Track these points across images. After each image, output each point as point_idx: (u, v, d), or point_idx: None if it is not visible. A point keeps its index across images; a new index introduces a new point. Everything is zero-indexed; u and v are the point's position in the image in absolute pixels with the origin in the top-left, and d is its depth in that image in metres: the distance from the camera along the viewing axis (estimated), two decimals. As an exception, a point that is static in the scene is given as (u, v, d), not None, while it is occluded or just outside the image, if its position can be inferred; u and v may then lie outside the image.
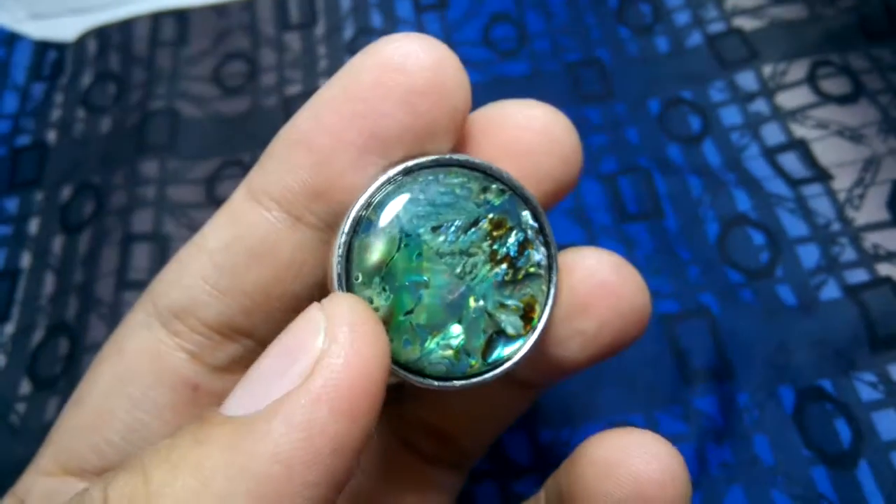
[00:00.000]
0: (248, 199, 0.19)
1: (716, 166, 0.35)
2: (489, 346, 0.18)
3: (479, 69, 0.40)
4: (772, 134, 0.35)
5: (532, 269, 0.18)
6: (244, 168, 0.37)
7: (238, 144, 0.38)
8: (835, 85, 0.36)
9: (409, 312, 0.17)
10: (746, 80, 0.37)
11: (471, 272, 0.17)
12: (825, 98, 0.36)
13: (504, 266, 0.18)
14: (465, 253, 0.17)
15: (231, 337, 0.20)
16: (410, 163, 0.18)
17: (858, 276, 0.31)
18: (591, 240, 0.34)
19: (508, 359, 0.18)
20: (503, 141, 0.19)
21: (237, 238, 0.19)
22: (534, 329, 0.18)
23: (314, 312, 0.15)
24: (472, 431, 0.23)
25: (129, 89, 0.41)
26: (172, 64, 0.41)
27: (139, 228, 0.35)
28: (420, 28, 0.41)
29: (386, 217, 0.17)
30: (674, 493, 0.16)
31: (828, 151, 0.34)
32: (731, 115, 0.36)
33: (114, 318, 0.33)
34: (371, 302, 0.17)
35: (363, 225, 0.18)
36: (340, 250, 0.17)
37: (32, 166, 0.39)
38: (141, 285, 0.34)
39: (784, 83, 0.36)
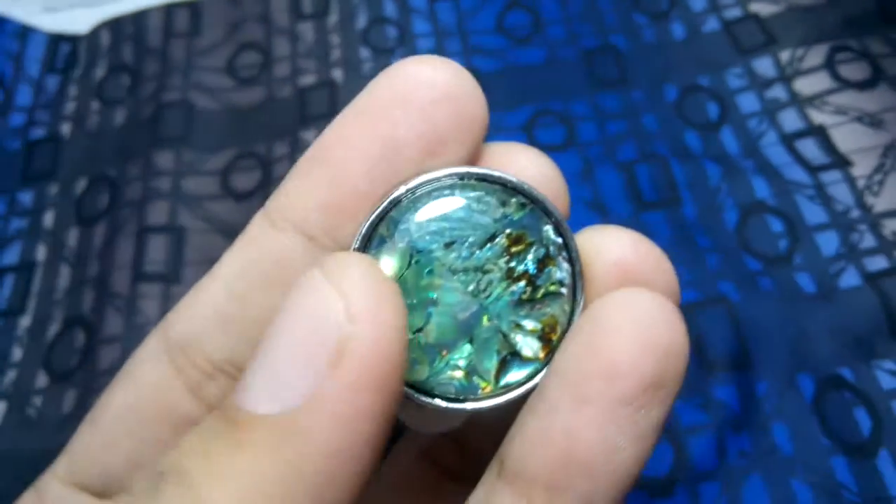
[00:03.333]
0: (264, 223, 0.19)
1: (734, 153, 0.35)
2: (502, 368, 0.17)
3: (493, 57, 0.40)
4: (790, 120, 0.35)
5: (553, 288, 0.17)
6: (259, 159, 0.37)
7: (253, 135, 0.38)
8: (853, 70, 0.36)
9: (419, 331, 0.17)
10: (764, 66, 0.37)
11: (485, 290, 0.17)
12: (844, 83, 0.35)
13: (522, 284, 0.17)
14: (479, 270, 0.17)
15: (235, 376, 0.20)
16: (425, 177, 0.17)
17: (878, 263, 0.31)
18: (608, 228, 0.34)
19: (523, 383, 0.17)
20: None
21: (251, 262, 0.19)
22: (553, 351, 0.17)
23: (321, 285, 0.14)
24: (493, 443, 0.23)
25: (143, 81, 0.41)
26: (186, 55, 0.41)
27: (154, 220, 0.35)
28: (433, 16, 0.41)
29: (398, 233, 0.17)
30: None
31: (847, 137, 0.34)
32: (748, 102, 0.36)
33: (130, 310, 0.33)
34: None
35: (374, 241, 0.17)
36: None
37: (47, 159, 0.39)
38: (156, 277, 0.34)
39: (802, 69, 0.36)
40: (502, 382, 0.17)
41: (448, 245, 0.17)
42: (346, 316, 0.14)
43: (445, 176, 0.17)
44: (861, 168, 0.33)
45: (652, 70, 0.38)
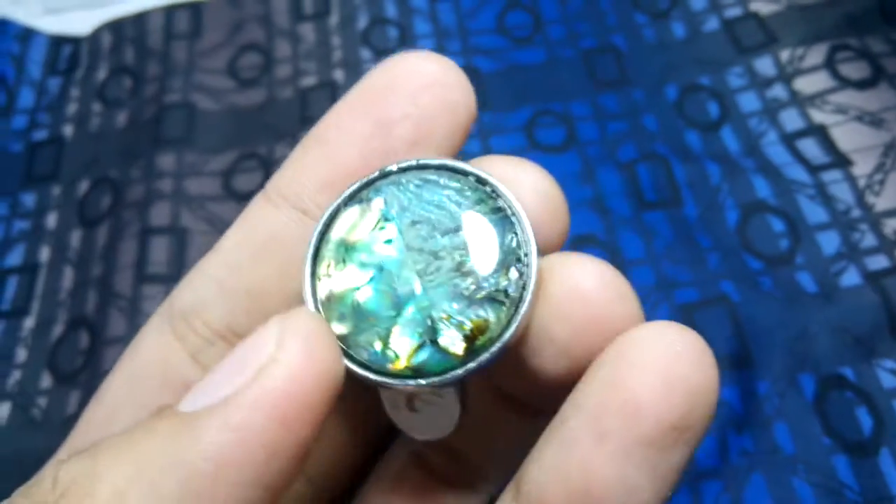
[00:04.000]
0: (262, 200, 0.20)
1: (734, 153, 0.35)
2: (417, 350, 0.17)
3: (493, 57, 0.40)
4: (790, 119, 0.35)
5: (496, 295, 0.17)
6: (261, 160, 0.38)
7: (254, 136, 0.38)
8: (854, 69, 0.36)
9: (356, 290, 0.17)
10: (764, 65, 0.37)
11: (431, 274, 0.17)
12: (844, 82, 0.35)
13: (468, 281, 0.17)
14: (433, 254, 0.17)
15: (232, 341, 0.20)
16: (412, 161, 0.18)
17: (879, 262, 0.31)
18: (610, 230, 0.34)
19: (437, 374, 0.17)
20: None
21: (248, 237, 0.20)
22: (473, 355, 0.17)
23: (274, 320, 0.15)
24: (482, 450, 0.22)
25: (145, 83, 0.41)
26: (187, 57, 0.41)
27: (157, 222, 0.36)
28: (434, 16, 0.41)
29: (373, 200, 0.18)
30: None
31: (847, 137, 0.34)
32: (749, 101, 0.36)
33: (133, 311, 0.33)
34: (328, 267, 0.17)
35: (354, 201, 0.18)
36: (320, 227, 0.18)
37: (49, 161, 0.39)
38: (159, 278, 0.34)
39: (802, 68, 0.36)
40: (413, 363, 0.17)
41: (414, 223, 0.17)
42: (278, 345, 0.15)
43: (434, 164, 0.18)
44: (862, 167, 0.33)
45: (652, 70, 0.38)
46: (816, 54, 0.36)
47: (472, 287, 0.17)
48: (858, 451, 0.28)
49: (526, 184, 0.18)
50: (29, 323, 0.34)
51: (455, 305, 0.17)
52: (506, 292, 0.17)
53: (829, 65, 0.36)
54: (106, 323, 0.33)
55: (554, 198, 0.19)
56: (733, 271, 0.32)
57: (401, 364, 0.17)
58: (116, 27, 0.43)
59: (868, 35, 0.37)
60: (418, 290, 0.17)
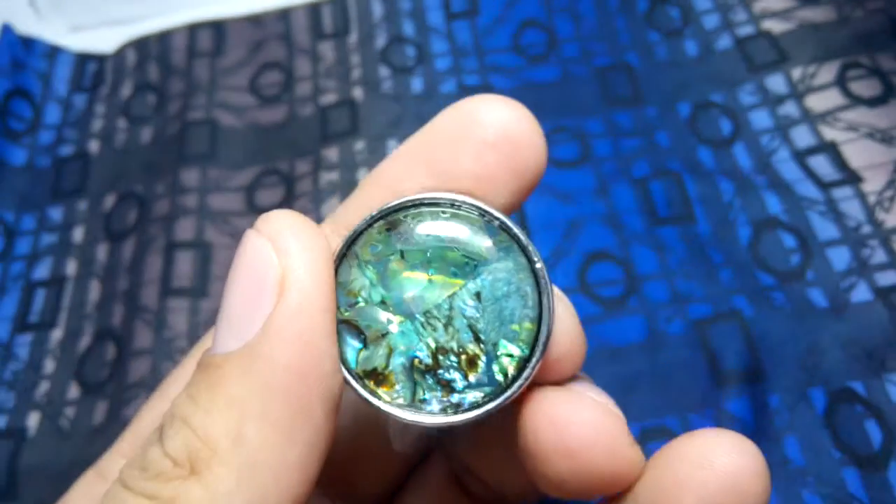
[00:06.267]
0: None
1: (746, 169, 0.35)
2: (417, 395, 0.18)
3: (509, 75, 0.40)
4: (802, 136, 0.36)
5: (470, 399, 0.18)
6: (282, 176, 0.38)
7: (276, 153, 0.39)
8: (865, 87, 0.36)
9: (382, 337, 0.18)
10: (776, 83, 0.37)
11: (427, 332, 0.17)
12: (855, 100, 0.36)
13: (453, 371, 0.17)
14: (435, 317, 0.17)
15: None
16: (472, 200, 0.18)
17: (889, 277, 0.31)
18: (623, 245, 0.34)
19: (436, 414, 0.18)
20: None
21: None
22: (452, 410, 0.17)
23: (255, 239, 0.16)
24: (506, 480, 0.23)
25: (169, 100, 0.42)
26: (210, 74, 0.42)
27: (182, 236, 0.36)
28: (450, 35, 0.42)
29: (421, 227, 0.18)
30: (764, 485, 0.17)
31: (858, 154, 0.35)
32: (761, 119, 0.37)
33: (158, 324, 0.34)
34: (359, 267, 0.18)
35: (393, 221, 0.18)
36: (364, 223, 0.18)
37: (76, 176, 0.40)
38: (184, 292, 0.35)
39: (813, 86, 0.37)
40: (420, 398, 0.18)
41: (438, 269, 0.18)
42: (280, 255, 0.16)
43: (475, 209, 0.18)
44: (872, 184, 0.33)
45: (665, 87, 0.39)
46: (828, 72, 0.37)
47: (457, 377, 0.18)
48: (868, 464, 0.28)
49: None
50: (57, 335, 0.35)
51: (429, 380, 0.18)
52: (474, 404, 0.18)
53: (841, 82, 0.37)
54: (132, 335, 0.34)
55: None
56: (745, 287, 0.32)
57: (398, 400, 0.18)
58: (141, 45, 0.44)
59: (879, 53, 0.37)
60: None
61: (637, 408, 0.30)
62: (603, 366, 0.31)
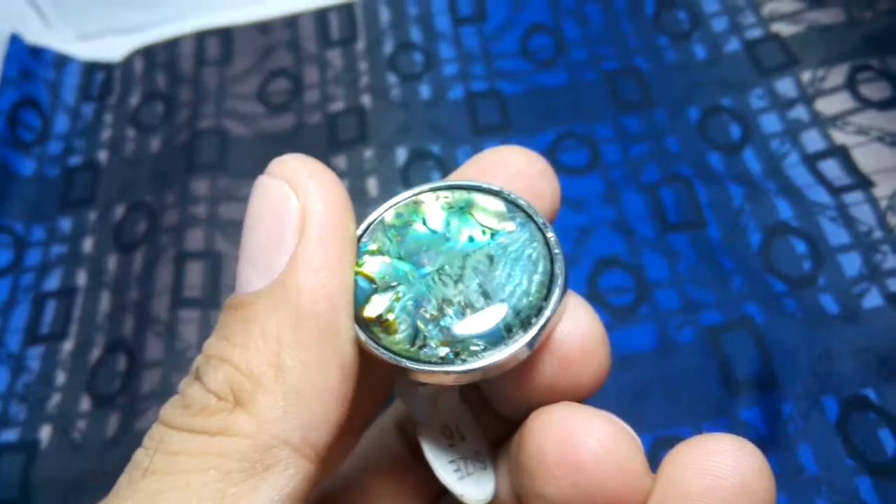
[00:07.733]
0: None
1: (757, 174, 0.35)
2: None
3: (517, 80, 0.40)
4: (812, 141, 0.35)
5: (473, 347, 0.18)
6: (291, 185, 0.38)
7: (284, 162, 0.39)
8: (875, 90, 0.36)
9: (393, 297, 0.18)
10: (785, 86, 0.37)
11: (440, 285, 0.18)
12: (865, 103, 0.36)
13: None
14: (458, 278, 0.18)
15: None
16: (489, 185, 0.19)
17: (901, 283, 0.31)
18: (634, 251, 0.34)
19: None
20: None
21: None
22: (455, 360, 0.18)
23: (272, 181, 0.17)
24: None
25: (177, 108, 0.42)
26: (218, 82, 0.42)
27: (192, 246, 0.36)
28: (458, 40, 0.42)
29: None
30: (770, 482, 0.17)
31: (868, 158, 0.34)
32: (770, 123, 0.37)
33: (170, 335, 0.34)
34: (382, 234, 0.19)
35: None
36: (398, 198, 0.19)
37: (85, 186, 0.40)
38: (195, 303, 0.35)
39: (823, 89, 0.37)
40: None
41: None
42: (298, 193, 0.17)
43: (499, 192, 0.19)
44: (883, 188, 0.33)
45: (674, 91, 0.39)
46: (837, 75, 0.37)
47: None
48: (881, 472, 0.28)
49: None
50: (68, 346, 0.35)
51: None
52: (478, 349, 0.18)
53: (851, 85, 0.36)
54: (143, 346, 0.34)
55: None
56: (757, 293, 0.32)
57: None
58: (148, 53, 0.44)
59: (889, 55, 0.37)
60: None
61: (650, 416, 0.30)
62: (614, 374, 0.31)
